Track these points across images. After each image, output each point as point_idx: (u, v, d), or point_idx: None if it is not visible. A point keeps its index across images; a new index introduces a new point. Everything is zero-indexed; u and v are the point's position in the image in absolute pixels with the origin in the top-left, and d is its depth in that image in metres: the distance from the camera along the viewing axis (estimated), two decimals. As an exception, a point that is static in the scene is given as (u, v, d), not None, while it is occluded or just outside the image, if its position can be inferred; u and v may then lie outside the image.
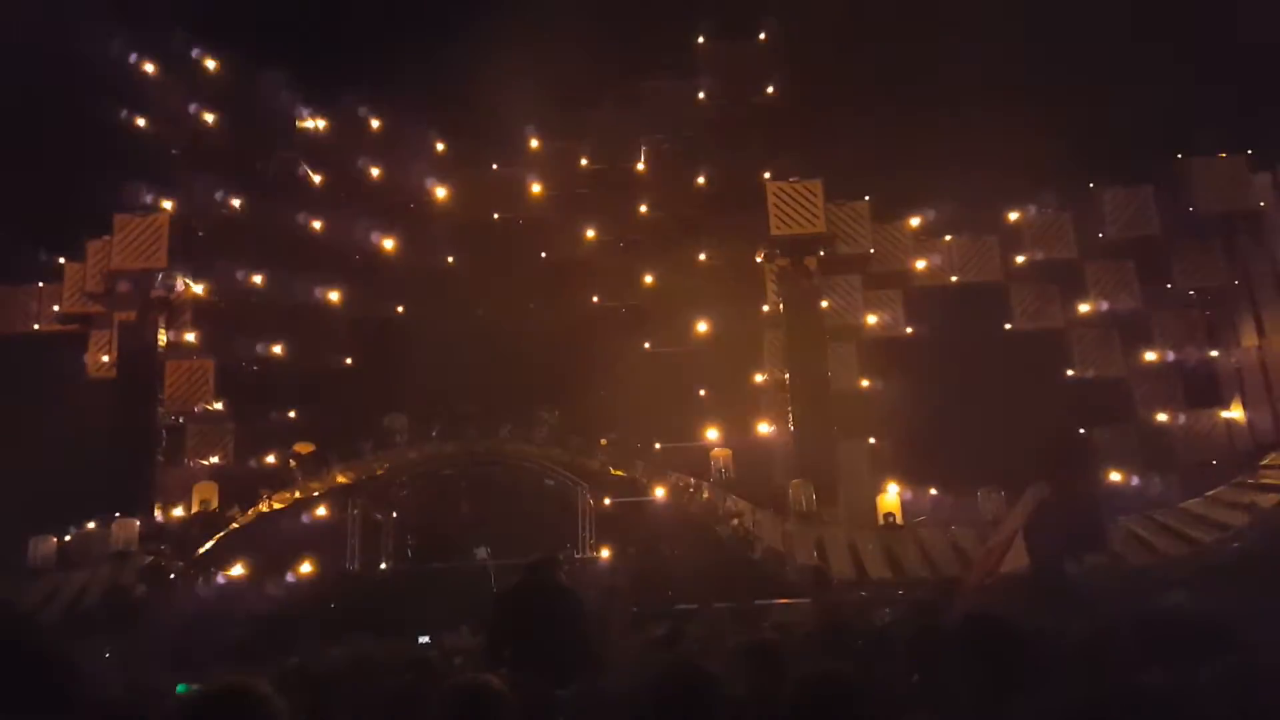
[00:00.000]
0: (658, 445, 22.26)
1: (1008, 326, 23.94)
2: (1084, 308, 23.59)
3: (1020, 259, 24.09)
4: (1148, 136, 21.28)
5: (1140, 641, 3.26)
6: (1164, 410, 22.86)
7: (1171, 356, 23.08)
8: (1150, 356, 23.18)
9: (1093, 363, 23.54)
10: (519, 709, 2.47)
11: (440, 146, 24.38)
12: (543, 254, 24.06)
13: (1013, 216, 24.35)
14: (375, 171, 24.47)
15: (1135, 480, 21.54)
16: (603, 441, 21.42)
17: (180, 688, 7.23)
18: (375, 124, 24.46)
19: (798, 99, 23.27)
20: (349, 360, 24.03)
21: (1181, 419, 22.72)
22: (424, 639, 11.95)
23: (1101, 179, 23.55)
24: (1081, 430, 22.10)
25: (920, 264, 24.21)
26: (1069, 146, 20.67)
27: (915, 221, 24.34)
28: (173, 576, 20.08)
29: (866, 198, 23.66)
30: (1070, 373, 23.57)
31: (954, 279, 24.24)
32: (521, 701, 2.53)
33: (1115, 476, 21.87)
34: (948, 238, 24.44)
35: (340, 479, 21.87)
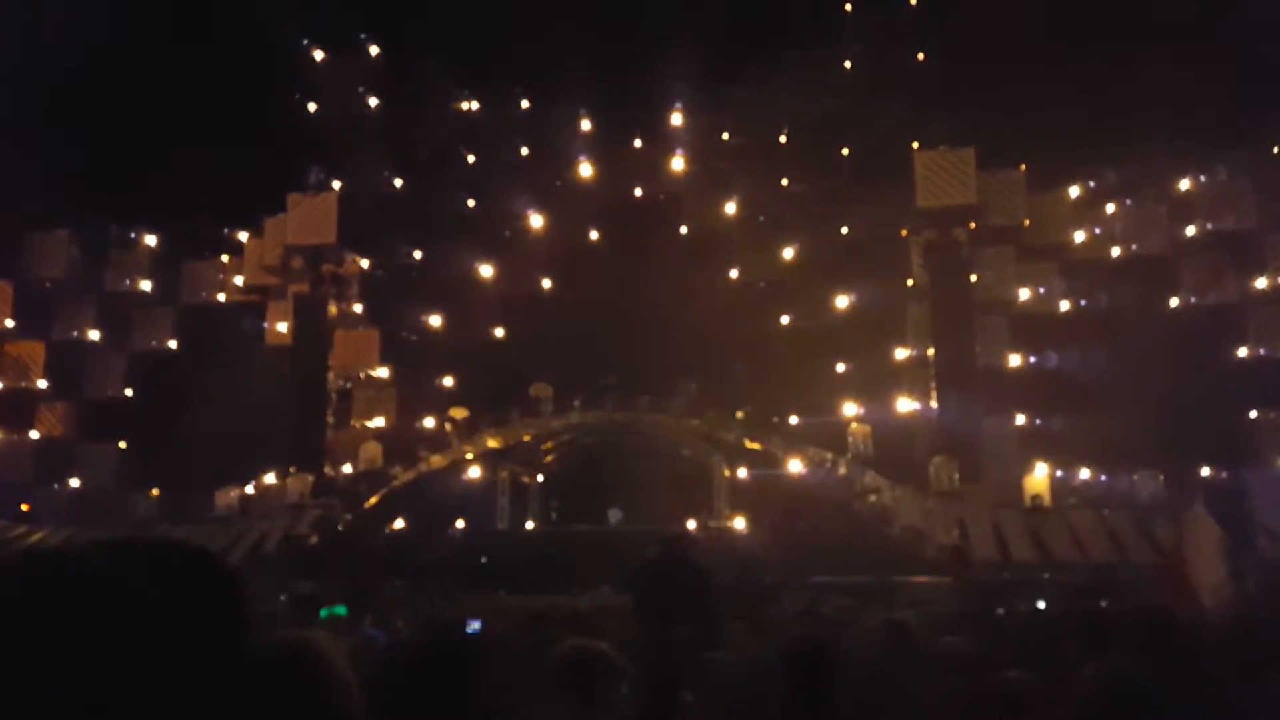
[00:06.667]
0: (794, 419, 22.32)
1: (1174, 302, 22.57)
2: (1262, 283, 21.96)
3: (1190, 230, 22.62)
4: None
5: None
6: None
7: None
8: (1336, 335, 21.41)
9: (1269, 341, 21.93)
10: (630, 674, 2.43)
11: (586, 124, 24.91)
12: (683, 229, 24.29)
13: (1183, 185, 22.84)
14: (524, 150, 25.27)
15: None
16: (739, 414, 21.66)
17: (322, 613, 7.92)
18: (525, 104, 25.20)
19: (948, 64, 22.37)
20: (499, 332, 25.07)
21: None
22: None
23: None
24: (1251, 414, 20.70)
25: (1079, 236, 23.08)
26: (1248, 107, 19.20)
27: (1074, 191, 23.19)
28: (341, 528, 21.89)
29: (1022, 166, 22.68)
30: (1243, 352, 22.06)
31: (1115, 251, 23.01)
32: (639, 668, 2.50)
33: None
34: (1110, 208, 23.17)
35: (491, 443, 23.05)
